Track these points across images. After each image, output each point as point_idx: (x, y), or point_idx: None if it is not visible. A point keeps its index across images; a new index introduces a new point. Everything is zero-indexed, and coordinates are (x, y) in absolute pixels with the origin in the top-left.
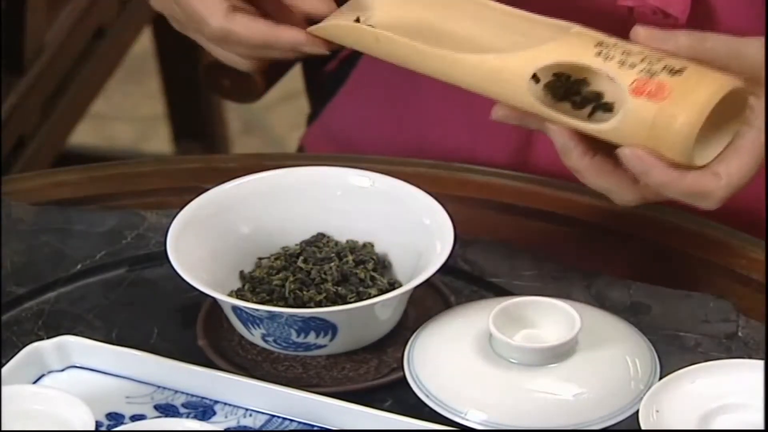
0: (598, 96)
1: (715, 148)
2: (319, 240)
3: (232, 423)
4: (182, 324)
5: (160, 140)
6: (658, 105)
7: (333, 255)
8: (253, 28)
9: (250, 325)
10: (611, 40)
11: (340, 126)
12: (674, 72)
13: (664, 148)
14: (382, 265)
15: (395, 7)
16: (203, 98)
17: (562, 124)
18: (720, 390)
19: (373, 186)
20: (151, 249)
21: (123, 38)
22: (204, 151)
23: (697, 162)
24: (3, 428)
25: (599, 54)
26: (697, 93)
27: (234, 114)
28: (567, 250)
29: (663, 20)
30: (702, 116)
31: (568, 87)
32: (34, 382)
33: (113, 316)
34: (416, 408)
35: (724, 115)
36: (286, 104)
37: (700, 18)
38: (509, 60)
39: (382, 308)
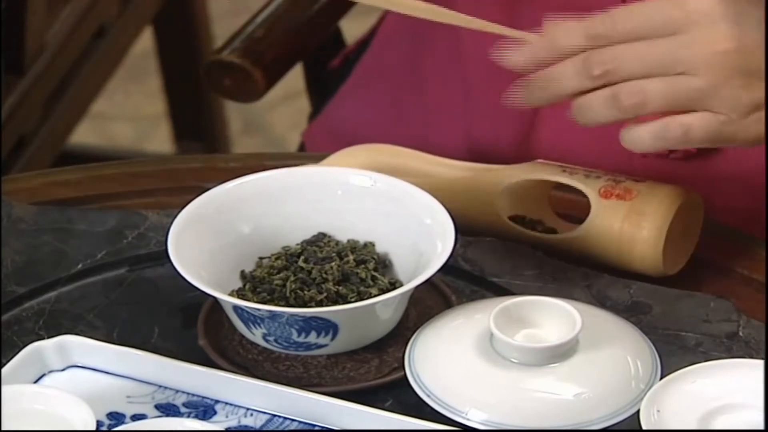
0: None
1: (681, 256)
2: (320, 239)
3: (232, 423)
4: (183, 323)
5: (160, 140)
6: (629, 203)
7: (334, 254)
8: None
9: (251, 325)
10: (573, 168)
11: (342, 123)
12: (638, 181)
13: (637, 243)
14: (383, 264)
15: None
16: (204, 98)
17: (531, 237)
18: (721, 390)
19: (374, 185)
20: (152, 248)
21: (123, 38)
22: (205, 150)
23: (668, 261)
24: (3, 428)
25: (564, 171)
26: (666, 189)
27: (235, 113)
28: None
29: None
30: (675, 204)
31: (524, 226)
32: (35, 382)
33: (114, 315)
34: (417, 408)
35: (683, 222)
36: (287, 104)
37: None
38: (481, 177)
39: (383, 308)
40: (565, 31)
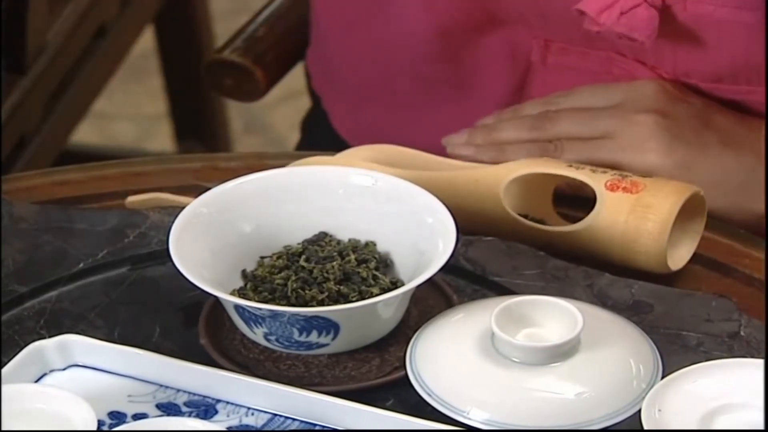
0: None
1: (684, 253)
2: (321, 239)
3: (234, 422)
4: (184, 323)
5: (161, 139)
6: (635, 196)
7: (335, 254)
8: None
9: (253, 324)
10: (579, 164)
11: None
12: (644, 175)
13: (642, 236)
14: (384, 264)
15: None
16: (205, 97)
17: (536, 231)
18: (722, 389)
19: (376, 185)
20: (153, 248)
21: (125, 37)
22: (205, 149)
23: (671, 257)
24: (4, 427)
25: (570, 166)
26: (671, 185)
27: (235, 113)
28: None
29: (628, 43)
30: (682, 199)
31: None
32: (36, 381)
33: (115, 314)
34: (418, 407)
35: (687, 220)
36: (288, 103)
37: (666, 38)
38: (484, 173)
39: (384, 307)
40: (508, 126)
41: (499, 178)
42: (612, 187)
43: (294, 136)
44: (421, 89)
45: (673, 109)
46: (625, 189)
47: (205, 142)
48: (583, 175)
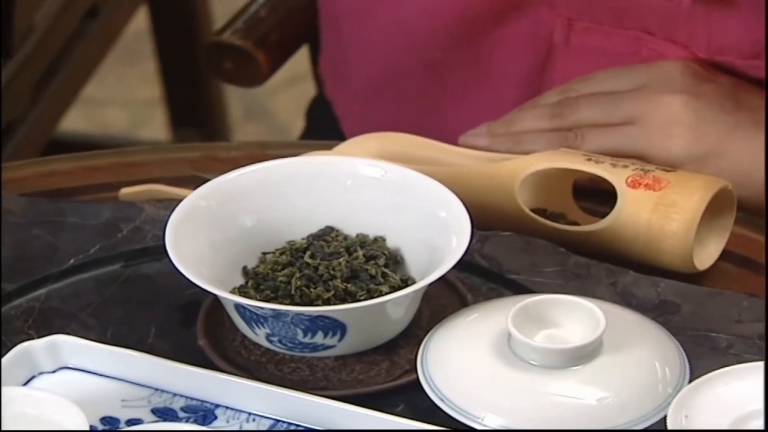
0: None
1: (712, 251)
2: (328, 234)
3: (234, 428)
4: (181, 323)
5: (156, 126)
6: (658, 193)
7: (342, 250)
8: None
9: (254, 324)
10: (599, 156)
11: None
12: (668, 170)
13: (666, 236)
14: (395, 260)
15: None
16: (202, 82)
17: (552, 230)
18: (753, 394)
19: (385, 176)
20: (149, 243)
21: (117, 17)
22: (203, 138)
23: (698, 256)
24: None
25: (589, 160)
26: (697, 180)
27: (235, 98)
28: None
29: (660, 17)
30: (708, 195)
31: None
32: (24, 384)
33: (108, 314)
34: (430, 412)
35: (714, 215)
36: (292, 88)
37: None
38: (500, 167)
39: (395, 306)
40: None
41: (514, 173)
42: (633, 184)
43: (298, 123)
44: (437, 76)
45: (700, 90)
46: (647, 186)
47: (202, 130)
48: (603, 170)
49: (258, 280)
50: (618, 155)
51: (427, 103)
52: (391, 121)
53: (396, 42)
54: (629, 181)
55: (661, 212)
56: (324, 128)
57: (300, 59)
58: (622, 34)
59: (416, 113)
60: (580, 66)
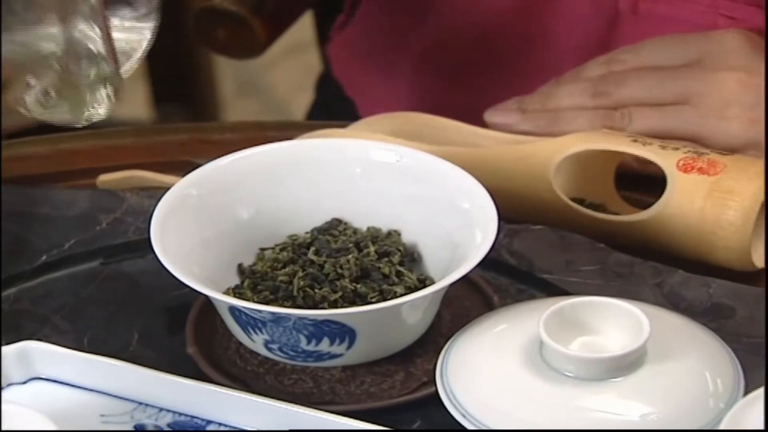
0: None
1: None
2: (334, 227)
3: None
4: (168, 328)
5: (135, 103)
6: (713, 178)
7: (351, 245)
8: None
9: (251, 330)
10: (646, 138)
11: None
12: (724, 154)
13: (721, 227)
14: (411, 257)
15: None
16: (190, 53)
17: (593, 220)
18: None
19: (400, 161)
20: (131, 237)
21: None
22: (189, 116)
23: (756, 251)
24: None
25: (635, 141)
26: (757, 166)
27: (227, 72)
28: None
29: None
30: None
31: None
32: None
33: (85, 317)
34: (450, 430)
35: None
36: (291, 59)
37: None
38: (532, 149)
39: (411, 310)
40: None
41: (549, 155)
42: (685, 168)
43: (299, 101)
44: (492, 48)
45: (761, 66)
46: (701, 170)
47: (189, 107)
48: (650, 152)
49: (255, 280)
50: (668, 138)
51: (478, 78)
52: (432, 96)
53: (452, 9)
54: (681, 164)
55: (716, 199)
56: (334, 106)
57: (301, 26)
58: (696, 0)
59: (465, 87)
60: (649, 37)
